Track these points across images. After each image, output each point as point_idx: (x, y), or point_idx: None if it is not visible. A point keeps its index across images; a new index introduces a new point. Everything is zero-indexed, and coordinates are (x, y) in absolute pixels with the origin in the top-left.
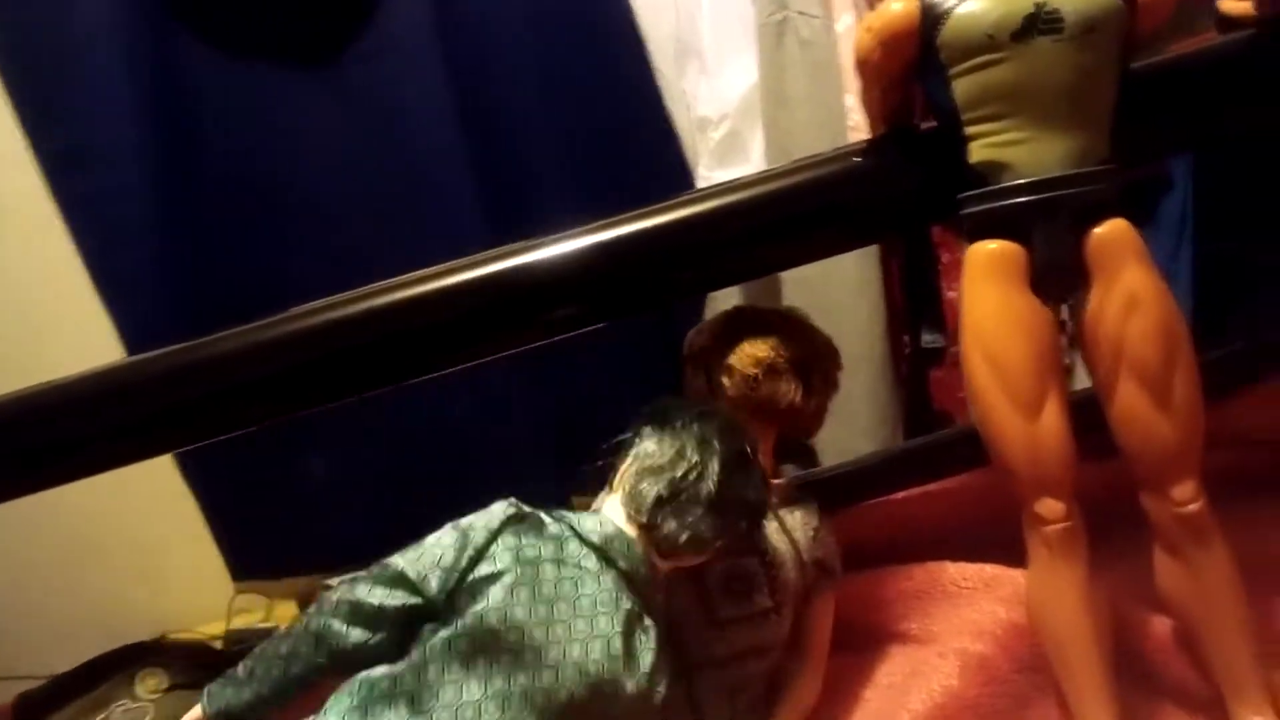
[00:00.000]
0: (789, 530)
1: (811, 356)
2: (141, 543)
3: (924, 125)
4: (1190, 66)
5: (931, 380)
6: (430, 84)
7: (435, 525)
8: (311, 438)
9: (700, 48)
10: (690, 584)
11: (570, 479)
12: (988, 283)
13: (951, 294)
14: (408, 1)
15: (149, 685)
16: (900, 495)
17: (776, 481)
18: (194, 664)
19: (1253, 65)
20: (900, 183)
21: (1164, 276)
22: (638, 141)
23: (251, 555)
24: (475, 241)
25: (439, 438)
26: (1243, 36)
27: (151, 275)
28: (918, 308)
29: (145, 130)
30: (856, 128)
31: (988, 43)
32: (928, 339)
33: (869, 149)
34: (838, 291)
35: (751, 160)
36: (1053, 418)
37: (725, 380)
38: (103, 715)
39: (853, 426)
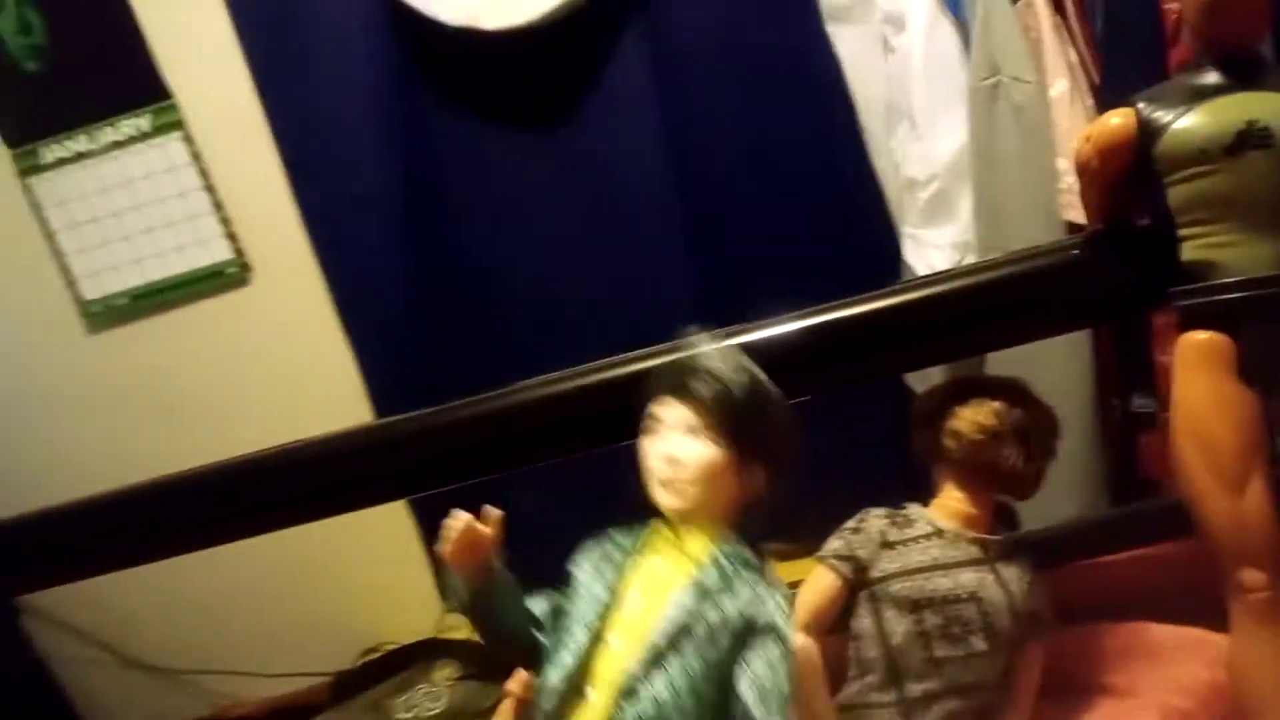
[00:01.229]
0: (1005, 582)
1: (1033, 424)
2: (363, 562)
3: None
4: None
5: (1142, 446)
6: (647, 146)
7: None
8: (523, 473)
9: (910, 110)
10: (911, 625)
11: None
12: (1198, 371)
13: (1164, 358)
14: (630, 65)
15: (445, 673)
16: (1108, 559)
17: (994, 538)
18: (483, 656)
19: None
20: (1114, 275)
21: None
22: (845, 200)
23: None
24: (684, 291)
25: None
26: None
27: (397, 323)
28: (1129, 371)
29: (395, 184)
30: (1069, 190)
31: (1201, 156)
32: (1139, 403)
33: (1086, 242)
34: (1047, 353)
35: (959, 220)
36: (1257, 494)
37: (951, 444)
38: (406, 696)
39: (1057, 487)
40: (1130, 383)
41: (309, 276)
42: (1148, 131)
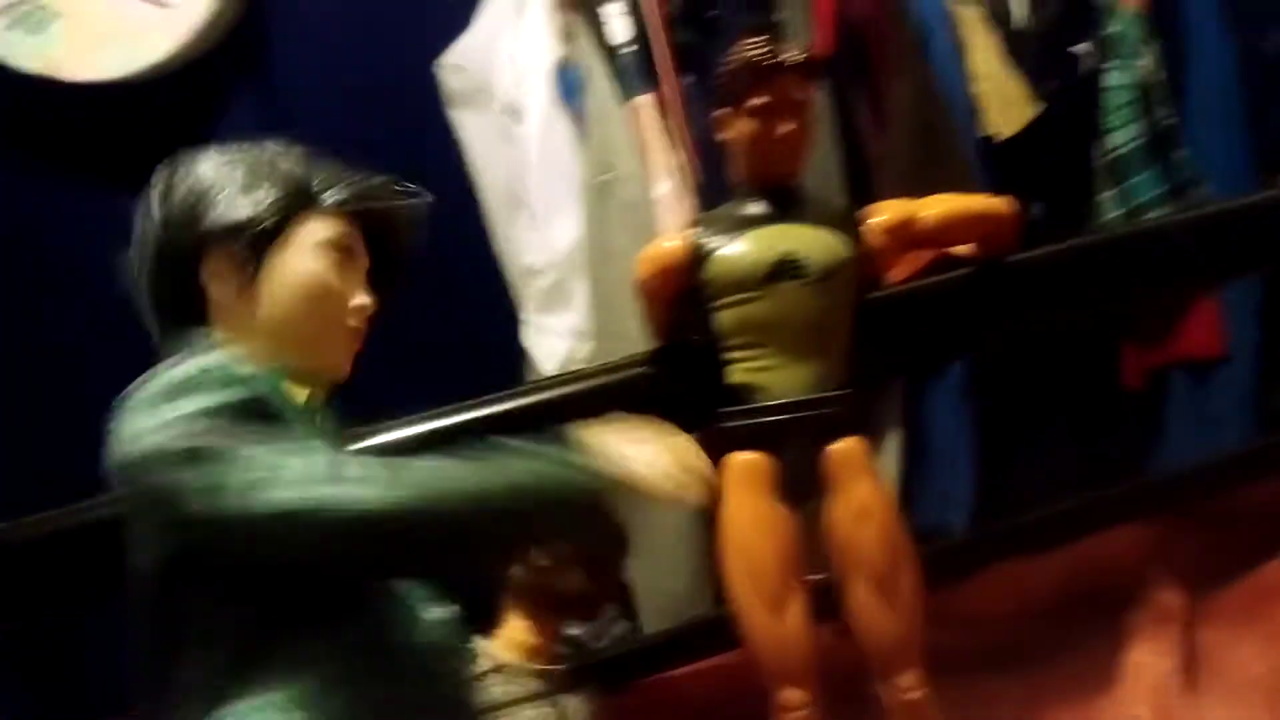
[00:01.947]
0: (566, 716)
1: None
2: None
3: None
4: (921, 296)
5: None
6: None
7: None
8: None
9: (529, 201)
10: None
11: None
12: (740, 491)
13: None
14: (238, 129)
15: None
16: (673, 673)
17: (558, 668)
18: None
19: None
20: (673, 394)
21: (950, 427)
22: (468, 285)
23: None
24: None
25: None
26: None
27: None
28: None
29: None
30: None
31: (743, 283)
32: None
33: (650, 360)
34: None
35: (575, 309)
36: (795, 615)
37: (512, 571)
38: None
39: (670, 566)
40: None
41: None
42: (698, 255)
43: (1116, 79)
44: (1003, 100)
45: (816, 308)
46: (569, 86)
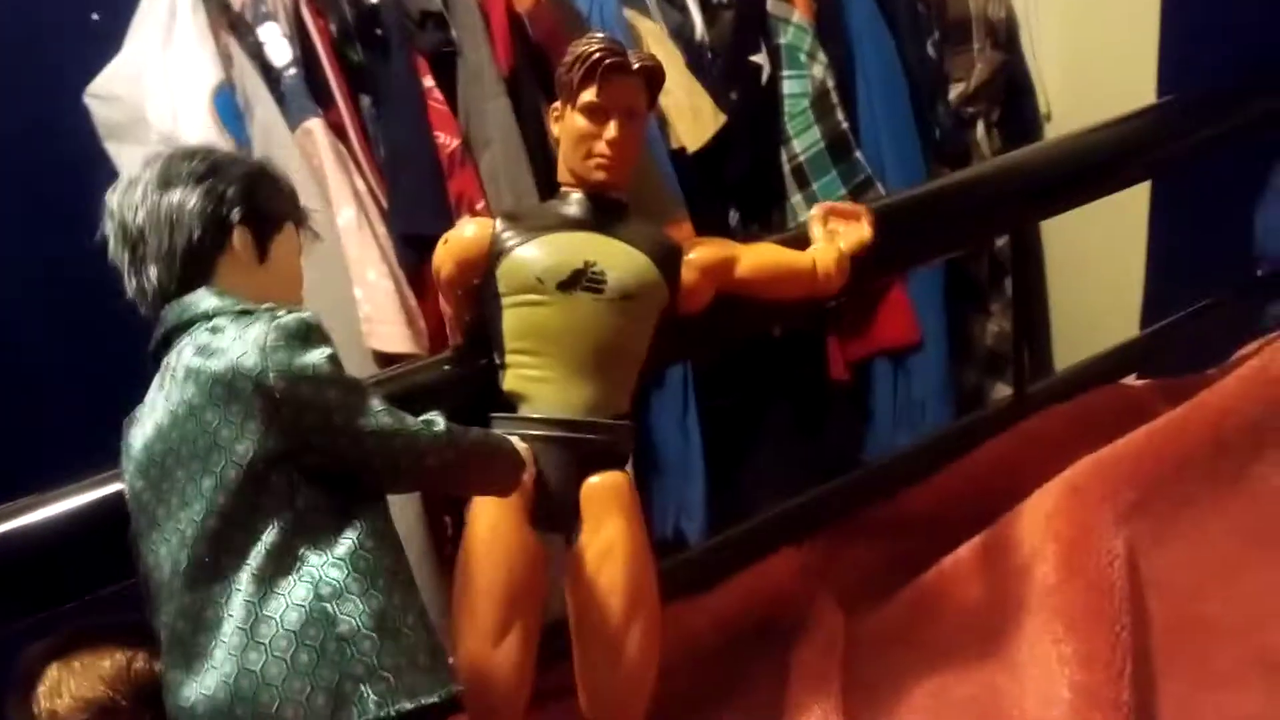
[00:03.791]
0: None
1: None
2: None
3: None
4: None
5: None
6: None
7: None
8: None
9: None
10: None
11: None
12: (485, 507)
13: None
14: None
15: None
16: None
17: None
18: None
19: None
20: (461, 395)
21: (676, 435)
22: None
23: None
24: None
25: None
26: None
27: None
28: None
29: None
30: (368, 318)
31: (536, 285)
32: None
33: (452, 358)
34: None
35: None
36: (513, 649)
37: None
38: None
39: None
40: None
41: None
42: (497, 248)
43: (792, 87)
44: (690, 113)
45: (607, 327)
46: (231, 112)
